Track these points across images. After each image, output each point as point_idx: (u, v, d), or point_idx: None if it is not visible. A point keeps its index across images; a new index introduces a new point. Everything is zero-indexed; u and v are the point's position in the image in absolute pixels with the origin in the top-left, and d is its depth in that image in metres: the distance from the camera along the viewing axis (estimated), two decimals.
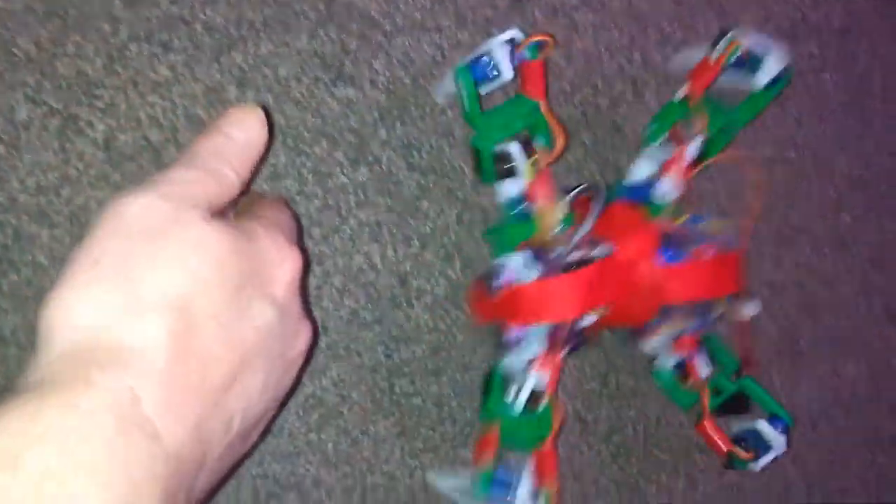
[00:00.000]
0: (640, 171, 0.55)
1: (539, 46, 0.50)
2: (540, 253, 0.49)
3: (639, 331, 0.53)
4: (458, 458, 0.53)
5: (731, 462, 0.55)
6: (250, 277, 0.30)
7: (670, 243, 0.50)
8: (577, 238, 0.48)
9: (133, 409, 0.26)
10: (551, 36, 0.51)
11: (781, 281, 0.62)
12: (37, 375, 0.26)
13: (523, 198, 0.51)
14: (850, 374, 0.65)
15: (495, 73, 0.50)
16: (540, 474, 0.50)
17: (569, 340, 0.49)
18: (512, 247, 0.50)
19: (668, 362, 0.56)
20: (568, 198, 0.50)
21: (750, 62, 0.52)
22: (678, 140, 0.54)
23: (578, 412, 0.55)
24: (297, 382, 0.40)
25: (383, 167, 0.51)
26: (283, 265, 0.32)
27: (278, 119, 0.48)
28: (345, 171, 0.50)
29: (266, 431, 0.37)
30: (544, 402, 0.49)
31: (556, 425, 0.50)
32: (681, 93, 0.54)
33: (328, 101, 0.49)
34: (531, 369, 0.49)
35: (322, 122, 0.49)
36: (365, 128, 0.50)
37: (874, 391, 0.66)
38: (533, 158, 0.49)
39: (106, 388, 0.25)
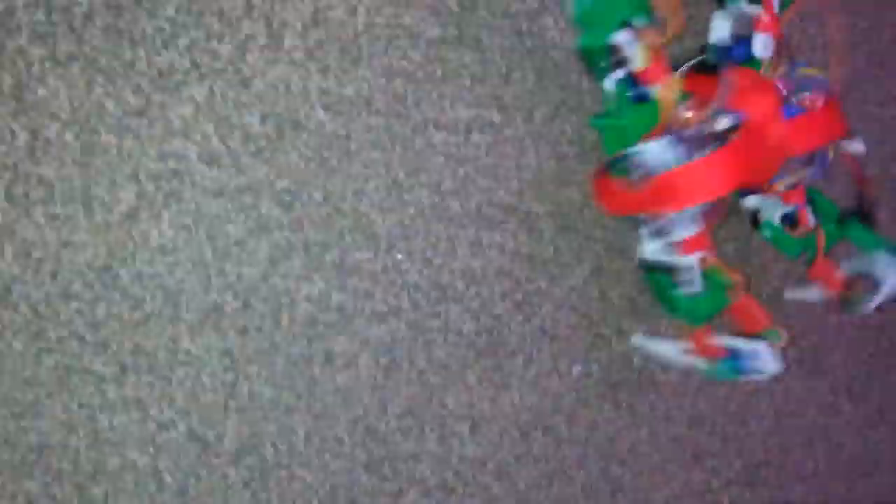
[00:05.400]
0: (721, 29, 0.55)
1: None
2: (679, 135, 0.49)
3: (757, 188, 0.55)
4: None
5: (845, 303, 0.58)
6: None
7: (786, 98, 0.51)
8: (713, 113, 0.48)
9: None
10: None
11: None
12: None
13: (634, 81, 0.50)
14: None
15: None
16: (752, 323, 0.54)
17: (719, 215, 0.52)
18: (636, 133, 0.50)
19: (774, 215, 0.58)
20: (679, 73, 0.51)
21: None
22: None
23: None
24: None
25: None
26: None
27: None
28: None
29: None
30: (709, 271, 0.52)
31: (734, 278, 0.52)
32: None
33: None
34: (679, 251, 0.51)
35: None
36: None
37: None
38: (645, 42, 0.49)
39: None
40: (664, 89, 0.49)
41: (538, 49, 0.56)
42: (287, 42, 0.50)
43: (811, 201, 0.59)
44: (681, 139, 0.48)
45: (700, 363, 0.55)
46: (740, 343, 0.53)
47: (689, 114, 0.49)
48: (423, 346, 0.55)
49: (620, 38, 0.49)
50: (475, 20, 0.54)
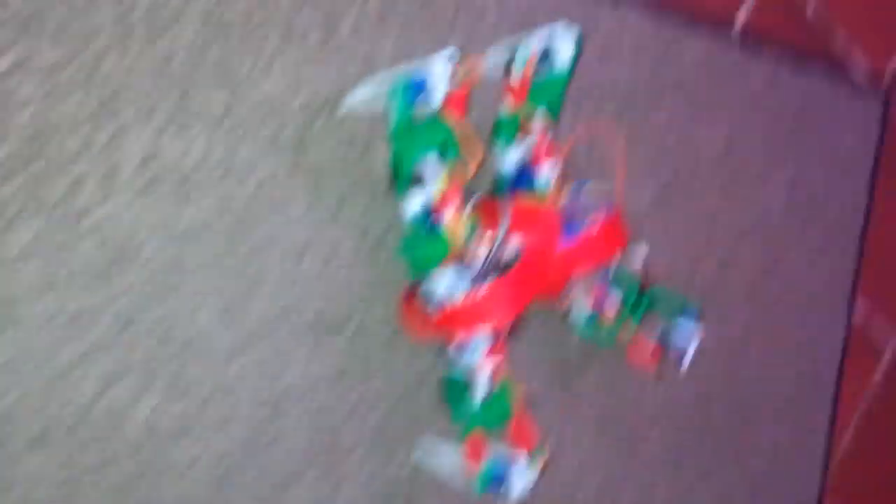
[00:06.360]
0: (509, 161, 0.61)
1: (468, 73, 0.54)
2: (461, 267, 0.54)
3: (551, 300, 0.61)
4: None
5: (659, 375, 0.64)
6: None
7: (566, 221, 0.57)
8: (494, 248, 0.54)
9: None
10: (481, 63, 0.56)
11: None
12: None
13: (430, 212, 0.55)
14: None
15: (430, 97, 0.53)
16: (522, 442, 0.58)
17: (507, 334, 0.56)
18: (430, 263, 0.55)
19: (581, 315, 0.63)
20: (470, 206, 0.55)
21: (545, 56, 0.58)
22: (529, 132, 0.59)
23: None
24: None
25: None
26: None
27: None
28: None
29: None
30: (499, 383, 0.56)
31: (517, 397, 0.57)
32: (506, 109, 0.60)
33: None
34: (478, 366, 0.56)
35: None
36: None
37: None
38: (446, 172, 0.54)
39: None
40: (453, 222, 0.54)
41: (371, 174, 0.61)
42: (122, 176, 0.53)
43: (613, 281, 0.62)
44: (464, 271, 0.54)
45: (470, 480, 0.58)
46: (503, 451, 0.57)
47: (479, 242, 0.55)
48: (259, 454, 0.59)
49: (426, 161, 0.54)
50: (311, 149, 0.58)
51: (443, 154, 0.55)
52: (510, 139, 0.61)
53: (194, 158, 0.55)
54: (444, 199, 0.54)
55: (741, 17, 0.78)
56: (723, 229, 0.78)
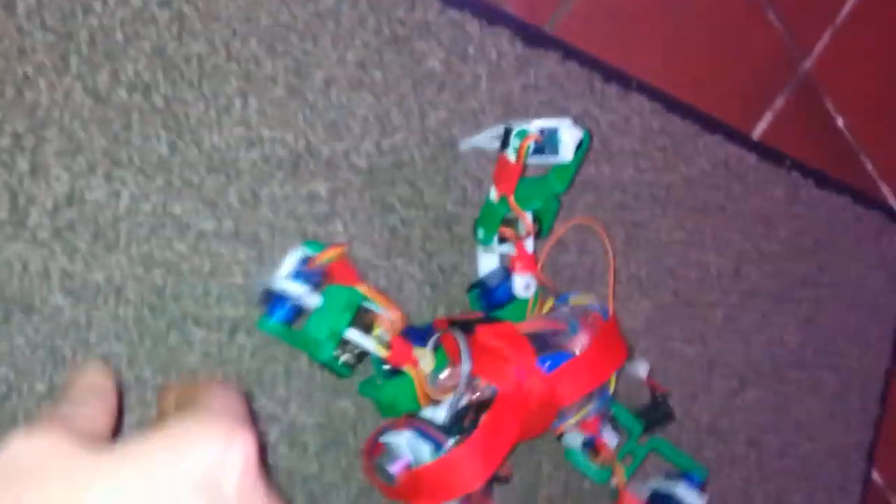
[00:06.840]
0: (487, 265, 0.54)
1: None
2: (422, 427, 0.46)
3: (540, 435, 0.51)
4: None
5: None
6: (195, 487, 0.26)
7: (546, 345, 0.47)
8: (454, 402, 0.45)
9: None
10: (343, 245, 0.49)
11: None
12: None
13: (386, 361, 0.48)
14: None
15: (300, 306, 0.47)
16: None
17: (483, 497, 0.47)
18: (402, 403, 0.47)
19: (575, 441, 0.55)
20: (429, 346, 0.48)
21: (547, 142, 0.50)
22: (510, 235, 0.52)
23: None
24: None
25: None
26: (231, 458, 0.27)
27: None
28: None
29: None
30: None
31: None
32: (494, 194, 0.52)
33: None
34: None
35: None
36: None
37: None
38: (375, 335, 0.46)
39: None
40: (411, 368, 0.47)
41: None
42: (32, 219, 0.46)
43: (615, 418, 0.57)
44: (425, 430, 0.45)
45: None
46: None
47: (446, 380, 0.46)
48: None
49: (349, 336, 0.46)
50: (255, 217, 0.51)
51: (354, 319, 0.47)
52: (490, 234, 0.53)
53: (120, 208, 0.48)
54: (391, 356, 0.47)
55: (762, 123, 0.72)
56: (726, 365, 0.69)
